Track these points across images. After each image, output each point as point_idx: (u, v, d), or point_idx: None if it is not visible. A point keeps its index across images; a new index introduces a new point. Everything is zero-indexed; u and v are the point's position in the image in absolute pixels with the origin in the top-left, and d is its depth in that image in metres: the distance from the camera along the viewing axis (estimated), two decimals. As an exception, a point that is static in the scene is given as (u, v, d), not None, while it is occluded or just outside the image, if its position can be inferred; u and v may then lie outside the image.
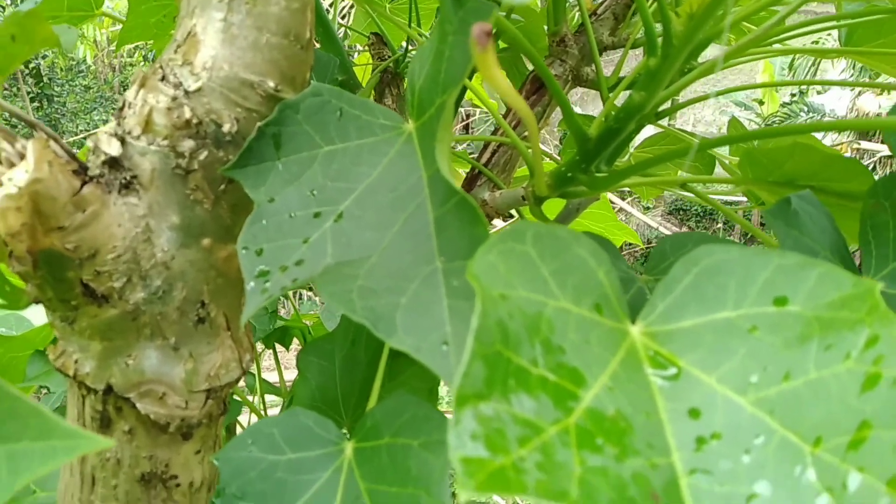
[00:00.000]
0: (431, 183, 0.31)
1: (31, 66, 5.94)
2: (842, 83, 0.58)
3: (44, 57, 5.84)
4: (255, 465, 0.31)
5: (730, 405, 0.23)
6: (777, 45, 0.55)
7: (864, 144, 5.37)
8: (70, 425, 0.21)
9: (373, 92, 0.61)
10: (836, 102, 6.96)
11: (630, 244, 0.98)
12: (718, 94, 0.51)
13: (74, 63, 5.97)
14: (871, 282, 0.23)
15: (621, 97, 0.46)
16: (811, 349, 0.23)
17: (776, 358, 0.23)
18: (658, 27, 0.35)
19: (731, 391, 0.23)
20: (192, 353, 0.34)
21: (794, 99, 7.43)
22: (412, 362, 0.35)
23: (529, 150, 0.44)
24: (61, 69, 5.93)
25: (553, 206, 0.67)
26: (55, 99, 6.01)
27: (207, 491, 0.38)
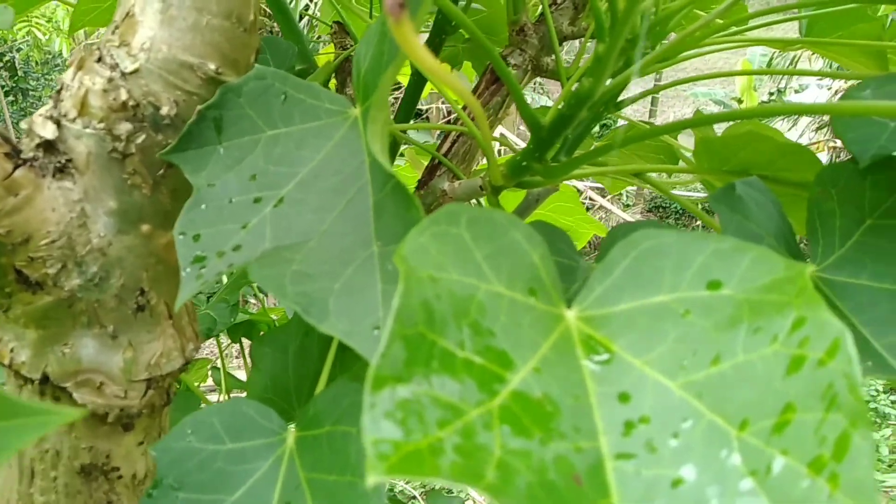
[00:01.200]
0: (373, 167, 0.31)
1: (6, 59, 5.84)
2: (811, 73, 0.59)
3: (18, 50, 5.75)
4: (193, 455, 0.31)
5: (659, 389, 0.23)
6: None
7: (840, 143, 5.43)
8: (35, 402, 0.20)
9: (332, 79, 0.60)
10: (815, 100, 7.05)
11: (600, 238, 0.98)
12: (681, 81, 0.51)
13: (50, 56, 5.89)
14: (802, 265, 0.23)
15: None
16: (740, 332, 0.23)
17: (706, 341, 0.23)
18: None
19: (661, 375, 0.23)
20: (132, 342, 0.33)
21: (773, 98, 7.51)
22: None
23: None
24: (37, 63, 5.84)
25: (514, 198, 0.67)
26: (30, 93, 5.93)
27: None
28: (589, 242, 1.00)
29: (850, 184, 0.34)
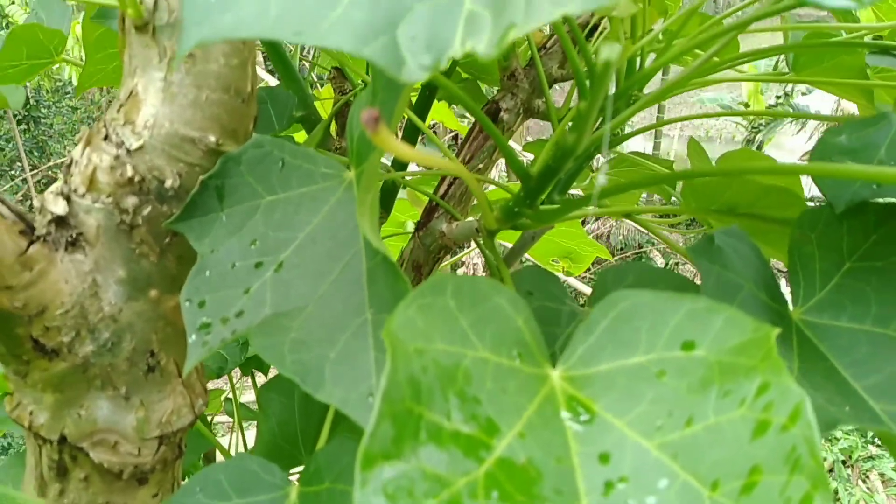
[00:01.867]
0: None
1: (18, 88, 5.93)
2: (803, 80, 0.60)
3: (30, 79, 5.83)
4: (203, 510, 0.32)
5: (637, 449, 0.24)
6: (729, 72, 0.57)
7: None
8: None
9: (333, 124, 0.62)
10: (821, 103, 7.02)
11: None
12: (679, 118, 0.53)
13: (61, 84, 5.97)
14: (769, 327, 0.24)
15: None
16: (712, 394, 0.24)
17: (681, 402, 0.24)
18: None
19: (639, 435, 0.24)
20: (143, 402, 0.35)
21: (780, 101, 7.49)
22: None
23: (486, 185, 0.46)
24: (47, 91, 5.93)
25: (513, 233, 0.68)
26: (42, 120, 6.01)
27: (167, 532, 0.39)
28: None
29: (828, 228, 0.36)
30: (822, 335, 0.35)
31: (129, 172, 0.32)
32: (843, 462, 3.42)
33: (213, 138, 0.34)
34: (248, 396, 2.38)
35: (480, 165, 0.54)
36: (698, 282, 0.37)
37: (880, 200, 0.36)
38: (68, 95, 6.33)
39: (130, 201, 0.33)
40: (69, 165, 0.34)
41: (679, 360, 0.25)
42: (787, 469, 0.22)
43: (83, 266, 0.33)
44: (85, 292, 0.33)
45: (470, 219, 0.54)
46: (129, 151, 0.33)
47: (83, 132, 0.34)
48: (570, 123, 0.51)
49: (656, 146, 6.31)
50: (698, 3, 0.46)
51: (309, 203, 0.35)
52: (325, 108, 0.73)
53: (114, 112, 0.34)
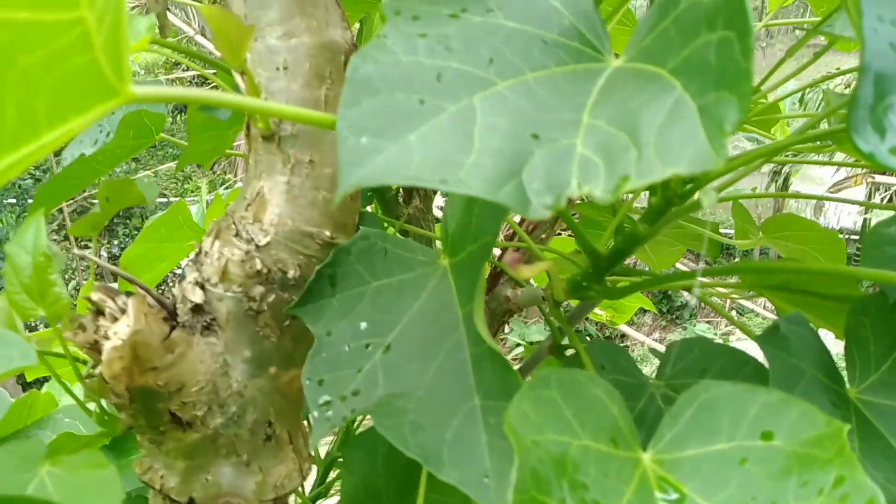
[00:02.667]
0: (466, 320, 0.36)
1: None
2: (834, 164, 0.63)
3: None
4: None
5: (726, 530, 0.27)
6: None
7: (878, 178, 5.39)
8: None
9: (401, 191, 0.67)
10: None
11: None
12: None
13: (99, 119, 6.15)
14: (840, 424, 0.28)
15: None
16: (791, 483, 0.27)
17: (763, 488, 0.28)
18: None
19: (727, 518, 0.28)
20: (262, 467, 0.39)
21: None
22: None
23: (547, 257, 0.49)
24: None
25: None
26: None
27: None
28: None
29: (881, 314, 0.39)
30: (879, 414, 0.38)
31: (258, 266, 0.37)
32: None
33: (327, 233, 0.39)
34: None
35: (543, 235, 0.58)
36: (742, 344, 0.41)
37: (930, 289, 0.39)
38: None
39: (258, 290, 0.37)
40: (197, 254, 0.39)
41: (759, 448, 0.29)
42: (865, 555, 0.25)
43: (216, 348, 0.37)
44: (217, 371, 0.37)
45: (534, 286, 0.58)
46: (258, 247, 0.37)
47: (213, 226, 0.39)
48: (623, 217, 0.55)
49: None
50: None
51: (409, 288, 0.39)
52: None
53: (241, 210, 0.38)
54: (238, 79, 0.38)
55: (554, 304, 0.52)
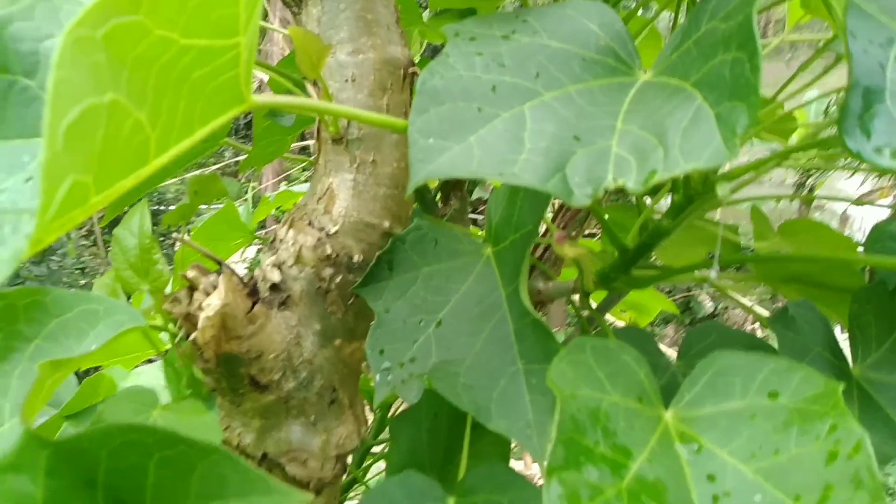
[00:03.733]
0: (509, 300, 0.41)
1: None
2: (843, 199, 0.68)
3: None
4: (380, 515, 0.41)
5: (737, 472, 0.32)
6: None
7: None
8: (284, 485, 0.31)
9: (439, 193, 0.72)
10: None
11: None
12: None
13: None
14: (836, 383, 0.32)
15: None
16: (793, 432, 0.32)
17: (769, 438, 0.32)
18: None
19: (738, 462, 0.32)
20: (326, 428, 0.44)
21: (830, 145, 7.40)
22: (485, 434, 0.45)
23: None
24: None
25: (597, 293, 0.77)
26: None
27: (328, 537, 0.48)
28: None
29: (882, 301, 0.44)
30: (878, 389, 0.42)
31: (328, 251, 0.42)
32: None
33: (386, 224, 0.44)
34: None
35: (573, 233, 0.64)
36: (758, 334, 0.45)
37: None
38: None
39: (327, 272, 0.43)
40: (273, 241, 0.45)
41: (767, 406, 0.34)
42: (853, 487, 0.29)
43: (290, 321, 0.43)
44: (291, 342, 0.43)
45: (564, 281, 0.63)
46: (328, 235, 0.43)
47: (287, 217, 0.44)
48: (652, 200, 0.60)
49: (704, 190, 6.30)
50: (774, 101, 0.55)
51: (457, 273, 0.44)
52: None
53: (313, 203, 0.44)
54: (311, 90, 0.44)
55: (584, 294, 0.57)
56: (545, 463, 0.30)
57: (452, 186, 0.74)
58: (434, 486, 0.42)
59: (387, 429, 0.61)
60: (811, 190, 6.64)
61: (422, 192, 0.71)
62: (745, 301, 0.58)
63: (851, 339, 0.44)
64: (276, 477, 0.43)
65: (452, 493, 0.42)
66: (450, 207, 0.73)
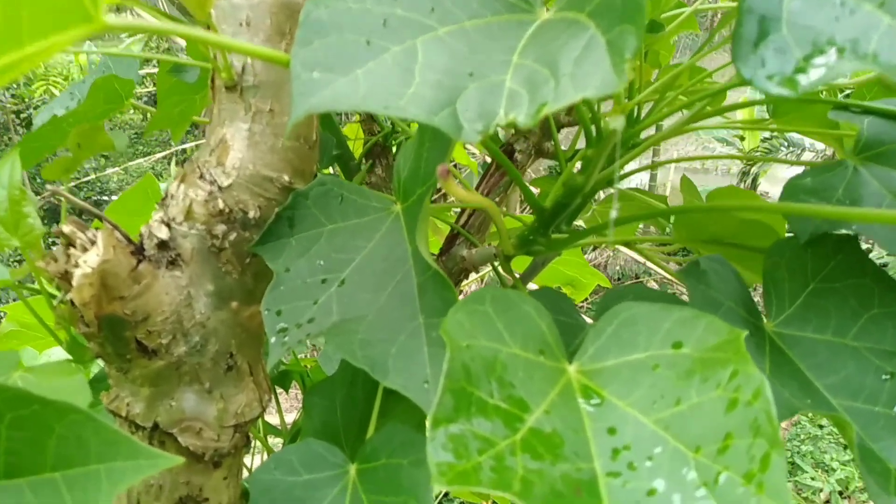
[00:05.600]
0: (415, 255, 0.39)
1: (23, 116, 6.05)
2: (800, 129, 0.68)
3: (36, 108, 5.96)
4: (277, 485, 0.39)
5: (637, 424, 0.31)
6: (719, 119, 0.65)
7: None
8: (152, 448, 0.28)
9: (364, 162, 0.70)
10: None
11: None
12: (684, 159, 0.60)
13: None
14: (739, 331, 0.31)
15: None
16: (695, 381, 0.31)
17: (671, 388, 0.31)
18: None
19: (639, 413, 0.31)
20: (223, 395, 0.42)
21: (775, 134, 7.61)
22: (401, 401, 0.43)
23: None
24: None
25: (522, 261, 0.76)
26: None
27: (232, 512, 0.45)
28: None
29: (795, 255, 0.43)
30: (791, 343, 0.42)
31: (221, 205, 0.40)
32: (840, 493, 3.46)
33: (286, 178, 0.41)
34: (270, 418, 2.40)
35: (497, 199, 0.62)
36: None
37: (837, 232, 0.43)
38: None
39: (220, 229, 0.40)
40: (164, 198, 0.42)
41: (670, 356, 0.32)
42: (752, 434, 0.28)
43: (180, 281, 0.40)
44: (181, 303, 0.40)
45: (487, 245, 0.61)
46: (220, 188, 0.40)
47: (179, 172, 0.41)
48: (577, 165, 0.59)
49: (653, 177, 6.42)
50: (687, 64, 0.54)
51: (363, 231, 0.42)
52: (354, 149, 0.81)
53: (205, 155, 0.41)
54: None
55: (504, 258, 0.56)
56: (430, 413, 0.28)
57: (377, 154, 0.71)
58: (335, 452, 0.40)
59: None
60: (755, 179, 6.80)
61: (344, 158, 0.68)
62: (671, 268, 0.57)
63: (766, 294, 0.43)
64: (169, 450, 0.41)
65: (356, 459, 0.40)
66: (374, 175, 0.71)
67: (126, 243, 0.39)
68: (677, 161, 0.66)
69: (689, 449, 0.29)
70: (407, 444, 0.37)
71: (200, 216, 0.40)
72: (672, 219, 0.71)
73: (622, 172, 0.60)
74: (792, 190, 0.44)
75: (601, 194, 0.82)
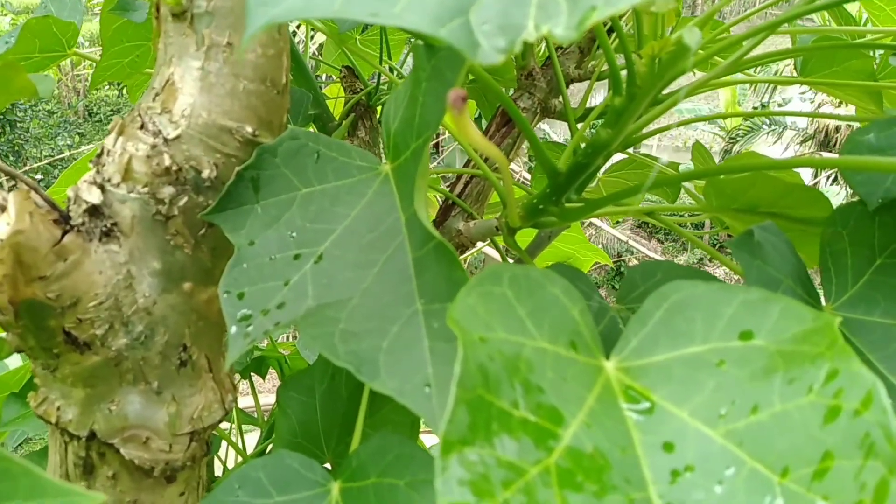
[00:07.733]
0: (409, 224, 0.32)
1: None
2: (797, 113, 0.61)
3: None
4: (241, 508, 0.32)
5: (701, 438, 0.24)
6: (739, 75, 0.58)
7: (826, 155, 5.52)
8: (61, 483, 0.21)
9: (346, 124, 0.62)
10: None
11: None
12: (680, 123, 0.53)
13: (38, 88, 5.88)
14: (829, 316, 0.24)
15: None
16: (776, 382, 0.24)
17: (743, 391, 0.24)
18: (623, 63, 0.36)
19: (702, 424, 0.24)
20: (175, 397, 0.34)
21: (757, 108, 7.60)
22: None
23: (501, 183, 0.45)
24: (24, 94, 5.84)
25: (525, 235, 0.68)
26: (18, 124, 5.91)
27: (191, 532, 0.38)
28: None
29: (860, 225, 0.36)
30: (856, 330, 0.35)
31: (167, 162, 0.32)
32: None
33: (249, 129, 0.34)
34: (246, 402, 2.33)
35: (497, 166, 0.54)
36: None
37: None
38: (44, 99, 6.25)
39: (167, 191, 0.32)
40: (99, 155, 0.34)
41: (738, 349, 0.25)
42: (862, 454, 0.22)
43: (118, 257, 0.32)
44: (119, 284, 0.32)
45: (489, 218, 0.54)
46: (166, 140, 0.32)
47: (115, 122, 0.33)
48: (592, 122, 0.51)
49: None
50: (716, 8, 0.47)
51: (345, 196, 0.35)
52: (334, 109, 0.73)
53: (149, 101, 0.33)
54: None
55: (508, 231, 0.48)
56: (440, 433, 0.20)
57: (360, 115, 0.63)
58: (313, 467, 0.33)
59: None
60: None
61: (322, 119, 0.60)
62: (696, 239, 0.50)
63: (824, 271, 0.36)
64: (110, 463, 0.33)
65: (339, 475, 0.33)
66: (356, 139, 0.63)
67: (48, 209, 0.31)
68: (667, 129, 0.59)
69: (773, 471, 0.22)
70: (403, 458, 0.30)
71: (142, 176, 0.32)
72: (690, 186, 0.65)
73: (646, 130, 0.53)
74: (855, 147, 0.37)
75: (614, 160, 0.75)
